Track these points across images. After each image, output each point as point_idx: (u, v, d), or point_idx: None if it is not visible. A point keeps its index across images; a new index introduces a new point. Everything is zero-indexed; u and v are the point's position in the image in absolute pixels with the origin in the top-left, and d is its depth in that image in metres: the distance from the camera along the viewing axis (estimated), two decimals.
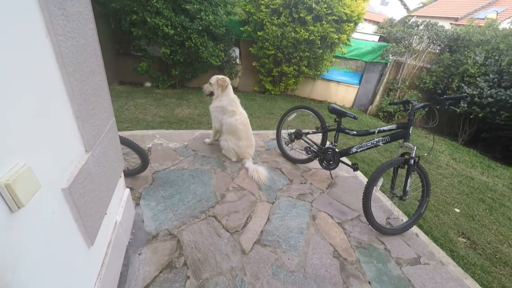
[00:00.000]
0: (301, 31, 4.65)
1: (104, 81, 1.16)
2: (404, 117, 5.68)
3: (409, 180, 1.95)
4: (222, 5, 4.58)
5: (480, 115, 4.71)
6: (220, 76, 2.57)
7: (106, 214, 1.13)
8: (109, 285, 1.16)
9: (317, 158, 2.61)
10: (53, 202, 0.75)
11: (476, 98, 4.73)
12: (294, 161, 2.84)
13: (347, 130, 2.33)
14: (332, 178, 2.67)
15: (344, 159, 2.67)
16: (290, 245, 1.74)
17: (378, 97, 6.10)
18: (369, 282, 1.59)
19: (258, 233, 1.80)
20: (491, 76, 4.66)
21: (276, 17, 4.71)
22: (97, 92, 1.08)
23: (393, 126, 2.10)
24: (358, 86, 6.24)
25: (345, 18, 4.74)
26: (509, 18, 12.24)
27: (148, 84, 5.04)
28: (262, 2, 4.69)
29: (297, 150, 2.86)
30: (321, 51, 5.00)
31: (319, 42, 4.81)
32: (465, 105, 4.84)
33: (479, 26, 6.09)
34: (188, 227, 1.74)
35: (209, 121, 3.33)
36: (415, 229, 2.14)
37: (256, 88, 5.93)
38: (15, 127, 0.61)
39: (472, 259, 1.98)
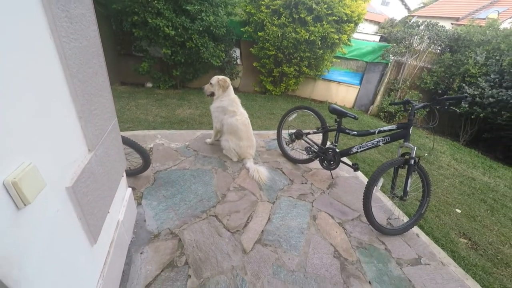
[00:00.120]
0: (301, 31, 4.67)
1: (106, 82, 1.18)
2: (405, 117, 5.68)
3: (409, 180, 1.96)
4: (222, 6, 4.60)
5: (481, 115, 4.71)
6: (220, 77, 2.58)
7: (108, 213, 1.14)
8: (111, 283, 1.17)
9: (318, 158, 2.61)
10: (57, 201, 0.76)
11: (478, 98, 4.72)
12: (294, 161, 2.84)
13: (347, 130, 2.33)
14: (332, 178, 2.68)
15: (344, 159, 2.68)
16: (290, 245, 1.75)
17: (379, 97, 6.10)
18: (370, 282, 1.60)
19: (259, 233, 1.81)
20: (492, 76, 4.65)
21: (277, 17, 4.72)
22: (100, 92, 1.09)
23: (393, 126, 2.10)
24: (359, 87, 6.24)
25: (346, 19, 4.75)
26: (510, 18, 12.21)
27: (149, 85, 5.07)
28: (263, 2, 4.70)
29: (297, 150, 2.87)
30: (321, 51, 5.01)
31: (319, 43, 4.82)
32: (466, 105, 4.84)
33: (480, 26, 6.09)
34: (190, 226, 1.75)
35: (210, 122, 3.34)
36: (415, 229, 2.15)
37: (256, 88, 5.95)
38: (20, 126, 0.62)
39: (473, 260, 1.98)
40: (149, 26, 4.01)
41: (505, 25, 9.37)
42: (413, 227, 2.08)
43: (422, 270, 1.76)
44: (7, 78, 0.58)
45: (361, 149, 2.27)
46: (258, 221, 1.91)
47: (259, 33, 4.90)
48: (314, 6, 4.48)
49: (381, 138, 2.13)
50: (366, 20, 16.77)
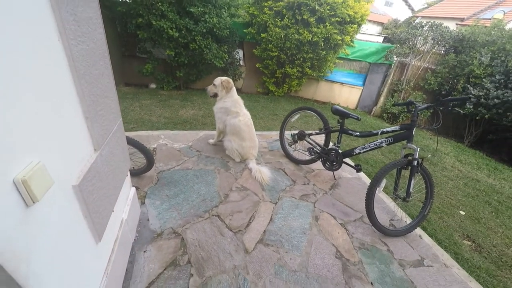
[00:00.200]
0: (304, 32, 4.67)
1: (112, 83, 1.20)
2: (409, 118, 5.64)
3: (412, 182, 1.95)
4: (226, 7, 4.63)
5: (486, 116, 4.65)
6: (224, 78, 2.60)
7: (113, 211, 1.16)
8: (115, 281, 1.19)
9: (320, 159, 2.62)
10: (64, 198, 0.78)
11: (482, 99, 4.67)
12: (297, 162, 2.85)
13: (350, 131, 2.33)
14: (335, 179, 2.68)
15: (347, 160, 2.67)
16: (292, 245, 1.76)
17: (382, 98, 6.07)
18: (372, 283, 1.60)
19: (261, 233, 1.82)
20: (497, 77, 4.60)
21: (280, 19, 4.74)
22: (105, 93, 1.12)
23: (397, 127, 2.10)
24: (362, 87, 6.22)
25: (349, 20, 4.75)
26: None
27: (153, 86, 5.12)
28: (266, 4, 4.72)
29: (300, 151, 2.87)
30: (324, 52, 5.01)
31: (322, 44, 4.82)
32: (471, 107, 4.79)
33: (485, 27, 6.02)
34: (192, 226, 1.76)
35: (213, 122, 3.36)
36: (418, 231, 2.13)
37: (259, 89, 5.97)
38: (30, 126, 0.64)
39: (477, 262, 1.96)
40: (153, 28, 4.06)
41: (510, 25, 9.25)
42: (416, 228, 2.07)
43: (425, 271, 1.75)
44: (19, 80, 0.61)
45: (364, 150, 2.27)
46: (260, 221, 1.92)
47: (262, 35, 4.92)
48: (317, 7, 4.49)
49: (384, 139, 2.13)
50: (370, 21, 16.70)
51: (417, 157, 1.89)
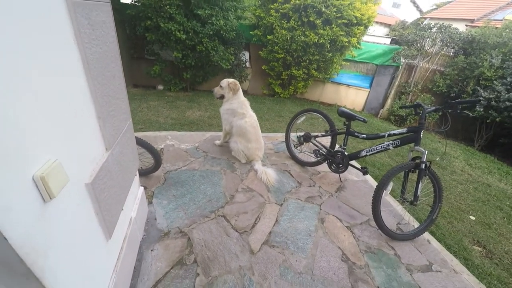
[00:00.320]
0: (310, 34, 4.68)
1: (123, 85, 1.23)
2: (416, 121, 5.56)
3: (420, 185, 1.92)
4: (232, 10, 4.68)
5: (497, 119, 4.55)
6: (231, 80, 2.62)
7: (122, 210, 1.19)
8: (124, 278, 1.21)
9: (326, 161, 2.61)
10: (78, 196, 0.81)
11: (493, 102, 4.57)
12: (303, 164, 2.84)
13: (356, 134, 2.32)
14: (341, 181, 2.66)
15: (353, 162, 2.65)
16: (298, 247, 1.75)
17: (389, 101, 6.00)
18: (378, 287, 1.58)
19: (267, 234, 1.82)
20: (508, 79, 4.50)
21: (286, 21, 4.76)
22: (117, 94, 1.15)
23: (404, 130, 2.08)
24: (368, 89, 6.17)
25: (355, 22, 4.73)
26: None
27: (160, 87, 5.20)
28: (272, 6, 4.75)
29: (306, 153, 2.87)
30: (330, 54, 5.00)
31: (328, 46, 4.81)
32: (481, 109, 4.69)
33: (496, 28, 5.90)
34: (198, 226, 1.78)
35: (219, 124, 3.39)
36: (426, 235, 2.10)
37: (265, 91, 5.99)
38: (48, 125, 0.67)
39: (488, 268, 1.91)
40: (161, 30, 4.13)
41: None
42: (424, 233, 2.03)
43: (433, 277, 1.72)
44: (39, 81, 0.64)
45: (371, 152, 2.25)
46: (266, 222, 1.93)
47: (268, 37, 4.95)
48: (323, 9, 4.49)
49: (391, 141, 2.11)
50: (377, 22, 16.59)
51: (425, 160, 1.87)
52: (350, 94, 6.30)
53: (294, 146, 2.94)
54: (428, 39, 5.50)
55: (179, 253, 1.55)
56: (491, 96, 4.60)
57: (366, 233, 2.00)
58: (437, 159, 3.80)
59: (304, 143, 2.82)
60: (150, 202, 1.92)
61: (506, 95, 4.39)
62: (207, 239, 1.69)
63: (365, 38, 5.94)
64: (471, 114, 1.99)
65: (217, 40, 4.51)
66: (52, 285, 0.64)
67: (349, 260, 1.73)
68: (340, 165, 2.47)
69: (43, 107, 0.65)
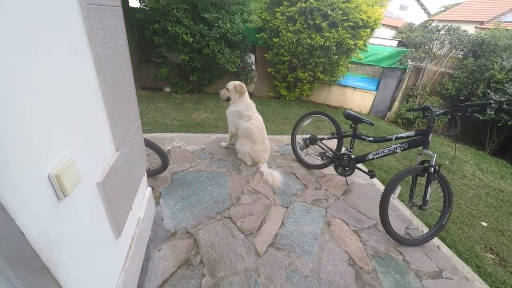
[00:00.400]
0: (316, 37, 4.68)
1: (132, 86, 1.26)
2: (425, 124, 5.47)
3: (429, 189, 1.89)
4: (239, 13, 4.73)
5: (509, 123, 4.43)
6: (237, 82, 2.64)
7: (131, 209, 1.21)
8: (132, 277, 1.22)
9: (332, 164, 2.59)
10: (89, 194, 0.83)
11: (505, 105, 4.46)
12: (308, 166, 2.83)
13: (363, 136, 2.30)
14: (347, 184, 2.63)
15: (360, 165, 2.62)
16: (304, 250, 1.74)
17: (396, 104, 5.93)
18: None
19: (272, 237, 1.81)
20: None
21: (292, 24, 4.78)
22: (127, 96, 1.17)
23: (412, 133, 2.05)
24: (375, 92, 6.11)
25: (362, 24, 4.71)
26: None
27: (167, 89, 5.27)
28: (278, 9, 4.78)
29: (312, 155, 2.85)
30: (336, 57, 4.99)
31: (334, 48, 4.81)
32: (492, 113, 4.58)
33: (506, 30, 5.79)
34: (205, 227, 1.79)
35: (225, 126, 3.41)
36: (436, 241, 2.05)
37: (271, 93, 6.00)
38: (63, 125, 0.69)
39: (501, 277, 1.85)
40: (169, 34, 4.21)
41: None
42: (433, 238, 1.99)
43: (444, 284, 1.68)
44: (55, 83, 0.66)
45: (378, 155, 2.22)
46: (272, 224, 1.92)
47: (274, 39, 4.97)
48: (329, 12, 4.49)
49: (399, 144, 2.08)
50: (383, 25, 16.48)
51: (434, 163, 1.83)
52: (356, 96, 6.25)
53: (300, 148, 2.93)
54: (436, 42, 5.43)
55: (186, 254, 1.56)
56: (502, 99, 4.50)
57: (374, 238, 1.97)
58: (447, 163, 3.72)
59: (310, 146, 2.81)
60: (157, 203, 1.94)
61: None
62: (213, 240, 1.69)
63: (371, 40, 5.91)
64: (481, 117, 1.95)
65: (223, 43, 4.56)
66: (65, 281, 0.66)
67: (356, 264, 1.71)
68: (347, 168, 2.45)
69: (59, 107, 0.67)
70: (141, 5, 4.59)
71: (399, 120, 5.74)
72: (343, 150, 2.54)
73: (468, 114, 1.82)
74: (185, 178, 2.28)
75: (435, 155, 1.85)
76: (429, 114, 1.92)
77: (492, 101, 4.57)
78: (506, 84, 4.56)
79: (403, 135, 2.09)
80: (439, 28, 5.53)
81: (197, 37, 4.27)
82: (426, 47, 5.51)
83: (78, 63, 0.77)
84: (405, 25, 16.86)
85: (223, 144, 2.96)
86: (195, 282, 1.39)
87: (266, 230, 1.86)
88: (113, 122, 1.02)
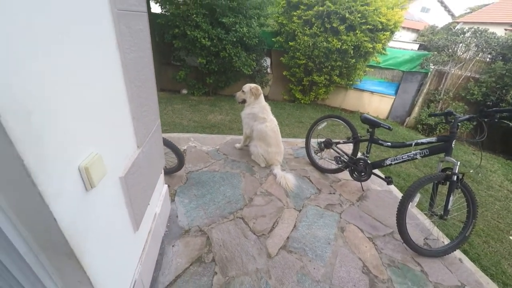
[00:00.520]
0: (333, 40, 4.64)
1: (154, 88, 1.32)
2: (447, 130, 5.21)
3: (451, 198, 1.79)
4: (255, 17, 4.81)
5: None
6: (253, 85, 2.67)
7: (149, 204, 1.26)
8: (147, 269, 1.27)
9: (348, 169, 2.53)
10: (113, 187, 0.87)
11: None
12: (323, 170, 2.79)
13: (380, 141, 2.23)
14: (363, 190, 2.56)
15: (376, 171, 2.54)
16: (316, 255, 1.71)
17: (416, 109, 5.70)
18: None
19: (284, 239, 1.80)
20: None
21: (308, 27, 4.77)
22: (149, 96, 1.23)
23: (433, 139, 1.96)
24: (394, 97, 5.92)
25: (381, 27, 4.61)
26: None
27: (184, 91, 5.43)
28: (295, 13, 4.80)
29: (326, 159, 2.81)
30: (354, 60, 4.90)
31: (352, 52, 4.73)
32: None
33: None
34: (217, 226, 1.81)
35: (239, 127, 3.46)
36: (458, 253, 1.94)
37: (286, 96, 6.00)
38: (92, 121, 0.74)
39: None
40: (187, 38, 4.35)
41: None
42: (455, 250, 1.88)
43: None
44: (89, 84, 0.71)
45: (396, 161, 2.15)
46: (284, 227, 1.91)
47: (290, 43, 4.98)
48: (347, 15, 4.44)
49: (419, 151, 2.00)
50: (404, 27, 15.96)
51: (457, 171, 1.74)
52: (374, 101, 6.09)
53: (315, 152, 2.89)
54: (461, 44, 5.18)
55: (198, 251, 1.59)
56: None
57: (390, 246, 1.90)
58: (471, 171, 3.51)
59: (325, 150, 2.77)
60: (172, 200, 2.00)
61: None
62: (225, 239, 1.71)
63: (391, 43, 5.74)
64: (511, 124, 1.82)
65: (240, 47, 4.64)
66: (89, 267, 0.70)
67: (371, 272, 1.65)
68: (363, 174, 2.39)
69: (90, 104, 0.72)
70: (162, 11, 4.79)
71: (419, 126, 5.51)
72: (359, 155, 2.48)
73: (496, 120, 1.72)
74: (199, 177, 2.33)
75: (459, 162, 1.76)
76: (453, 120, 1.83)
77: None
78: None
79: (423, 140, 2.01)
80: (465, 30, 5.28)
81: (214, 41, 4.38)
82: (450, 50, 5.27)
83: (108, 65, 0.83)
84: (427, 27, 16.24)
85: (238, 145, 2.99)
86: (206, 279, 1.42)
87: (278, 232, 1.85)
88: (136, 121, 1.07)
